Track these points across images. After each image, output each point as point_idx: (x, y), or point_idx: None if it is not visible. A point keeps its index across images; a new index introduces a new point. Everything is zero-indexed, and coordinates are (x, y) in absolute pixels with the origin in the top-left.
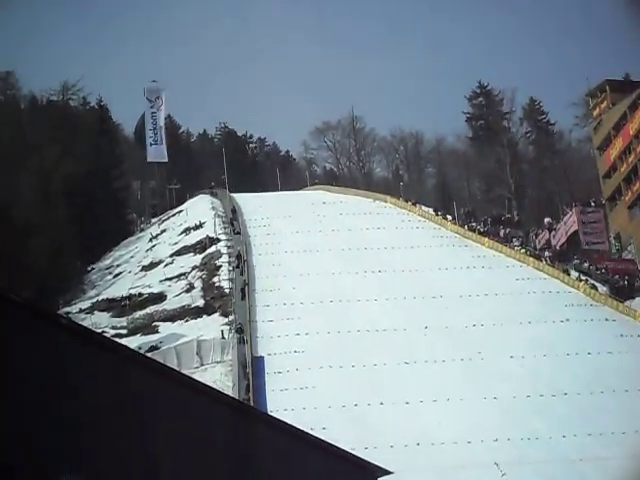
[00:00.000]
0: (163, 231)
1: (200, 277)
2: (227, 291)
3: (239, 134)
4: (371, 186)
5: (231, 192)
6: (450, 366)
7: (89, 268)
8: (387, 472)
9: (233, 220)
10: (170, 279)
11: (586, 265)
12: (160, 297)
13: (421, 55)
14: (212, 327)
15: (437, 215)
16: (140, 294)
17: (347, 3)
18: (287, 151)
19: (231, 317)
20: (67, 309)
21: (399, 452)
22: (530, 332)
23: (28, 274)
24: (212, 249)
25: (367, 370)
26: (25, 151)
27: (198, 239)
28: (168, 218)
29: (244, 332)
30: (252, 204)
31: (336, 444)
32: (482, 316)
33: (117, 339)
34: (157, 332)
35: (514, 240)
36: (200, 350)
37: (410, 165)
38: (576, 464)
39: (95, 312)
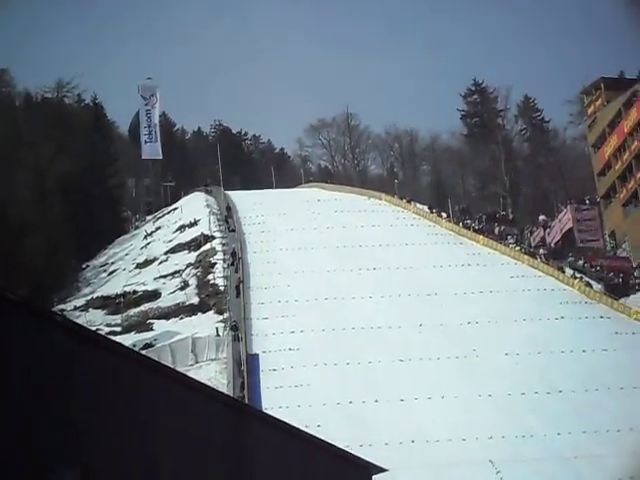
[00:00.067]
0: (158, 229)
1: (195, 275)
2: (222, 289)
3: (234, 131)
4: (366, 184)
5: (226, 190)
6: (445, 363)
7: (84, 266)
8: (382, 469)
9: (228, 218)
10: (165, 277)
11: (581, 263)
12: (155, 295)
13: (421, 55)
14: (207, 325)
15: (432, 212)
16: (135, 292)
17: (347, 3)
18: (282, 149)
19: (226, 315)
20: (62, 306)
21: (394, 449)
22: (525, 329)
23: (24, 272)
24: (207, 247)
25: (362, 367)
26: (20, 149)
27: (193, 237)
28: (163, 216)
29: (239, 330)
30: (247, 202)
31: (331, 442)
32: (477, 313)
33: (112, 337)
34: (152, 330)
35: (509, 238)
36: (195, 348)
37: (405, 162)
38: (571, 461)
39: (90, 310)
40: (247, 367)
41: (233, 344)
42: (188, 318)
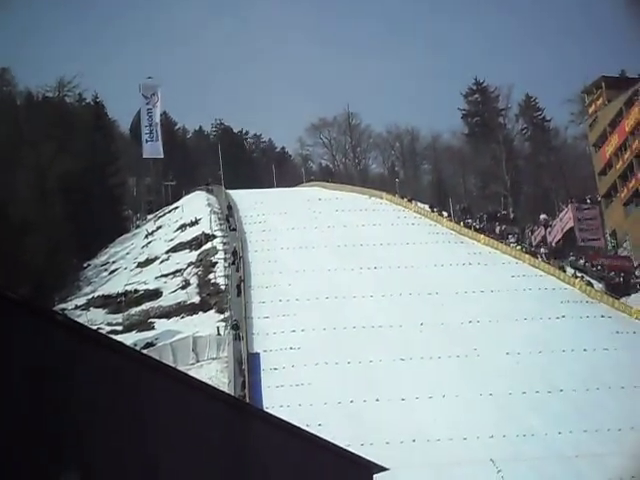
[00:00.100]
0: (159, 228)
1: (196, 274)
2: (223, 288)
3: (235, 131)
4: (367, 183)
5: (227, 189)
6: (446, 363)
7: (85, 265)
8: (383, 468)
9: (229, 217)
10: (166, 276)
11: (582, 262)
12: (156, 294)
13: (421, 55)
14: (208, 324)
15: (433, 212)
16: (136, 291)
17: (347, 3)
18: (283, 148)
19: (227, 314)
20: (63, 305)
21: (395, 448)
22: (526, 329)
23: (25, 272)
24: (208, 246)
25: (363, 366)
26: (21, 149)
27: (194, 236)
28: (164, 215)
29: (240, 329)
30: (248, 201)
31: (332, 440)
32: (478, 313)
33: (113, 335)
34: (153, 329)
35: (510, 237)
36: (196, 347)
37: (406, 162)
38: (572, 460)
39: (91, 309)
40: (248, 366)
41: (234, 343)
42: (189, 317)
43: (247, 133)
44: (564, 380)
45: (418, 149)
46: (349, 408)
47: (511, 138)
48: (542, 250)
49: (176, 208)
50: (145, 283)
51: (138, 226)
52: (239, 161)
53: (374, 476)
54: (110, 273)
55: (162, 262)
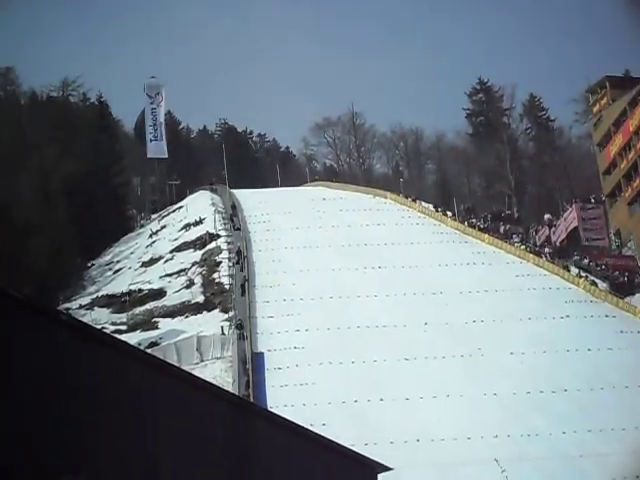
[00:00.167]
0: (163, 227)
1: (200, 273)
2: (227, 287)
3: (239, 130)
4: (371, 182)
5: (231, 188)
6: (450, 362)
7: (89, 264)
8: (387, 468)
9: (233, 216)
10: (170, 275)
11: (586, 261)
12: (160, 293)
13: (421, 55)
14: (212, 323)
15: (437, 211)
16: (140, 290)
17: (347, 3)
18: (287, 147)
19: (231, 313)
20: (67, 305)
21: (399, 448)
22: (530, 328)
23: (28, 274)
24: (212, 245)
25: (367, 366)
26: (25, 151)
27: (198, 235)
28: (168, 214)
29: (244, 328)
30: (252, 200)
31: (336, 440)
32: (482, 312)
33: (117, 335)
34: (157, 328)
35: (514, 236)
36: (200, 346)
37: (410, 161)
38: (576, 460)
39: (95, 308)
40: (252, 366)
41: (238, 342)
42: (193, 317)
43: (251, 133)
44: (568, 380)
45: (422, 149)
46: (353, 408)
47: (515, 138)
48: (546, 250)
49: (180, 207)
50: (149, 282)
51: (142, 225)
52: (243, 161)
53: (378, 476)
54: (114, 272)
55: (166, 261)
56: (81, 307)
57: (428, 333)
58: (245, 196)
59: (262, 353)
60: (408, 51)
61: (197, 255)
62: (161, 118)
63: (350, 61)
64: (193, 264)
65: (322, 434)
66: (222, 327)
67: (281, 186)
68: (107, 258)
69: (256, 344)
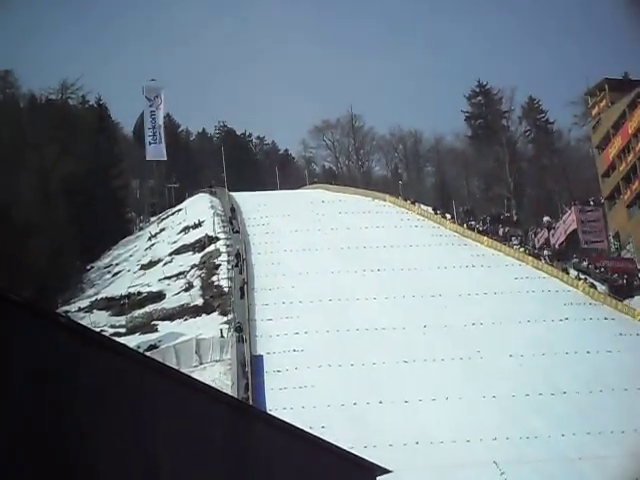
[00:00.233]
0: (162, 230)
1: (199, 276)
2: (226, 290)
3: (238, 133)
4: (370, 185)
5: (230, 191)
6: (449, 365)
7: (88, 267)
8: (386, 471)
9: (232, 219)
10: (169, 278)
11: (585, 264)
12: (159, 296)
13: (421, 55)
14: (211, 326)
15: (436, 214)
16: (139, 293)
17: (347, 3)
18: (286, 150)
19: (230, 316)
20: (66, 308)
21: (398, 451)
22: (529, 331)
23: (28, 274)
24: (211, 248)
25: (366, 369)
26: (25, 151)
27: (197, 238)
28: (167, 217)
29: (243, 331)
30: (251, 203)
31: (335, 443)
32: (481, 315)
33: (116, 338)
34: (156, 331)
35: (513, 239)
36: (199, 349)
37: (409, 164)
38: (575, 463)
39: (94, 311)
40: (251, 368)
41: (237, 345)
42: (192, 319)
43: (250, 135)
44: (567, 382)
45: (421, 151)
46: (352, 410)
47: (514, 140)
48: (545, 252)
49: (179, 210)
50: (148, 285)
51: (141, 228)
52: (242, 163)
53: (377, 478)
54: (113, 275)
55: (165, 264)
56: (80, 310)
57: (427, 336)
58: (244, 199)
59: (261, 356)
60: (408, 51)
61: (196, 258)
62: (160, 121)
63: (350, 61)
64: (192, 267)
65: (321, 437)
66: (221, 330)
67: (280, 189)
68: (106, 261)
69: (255, 347)
